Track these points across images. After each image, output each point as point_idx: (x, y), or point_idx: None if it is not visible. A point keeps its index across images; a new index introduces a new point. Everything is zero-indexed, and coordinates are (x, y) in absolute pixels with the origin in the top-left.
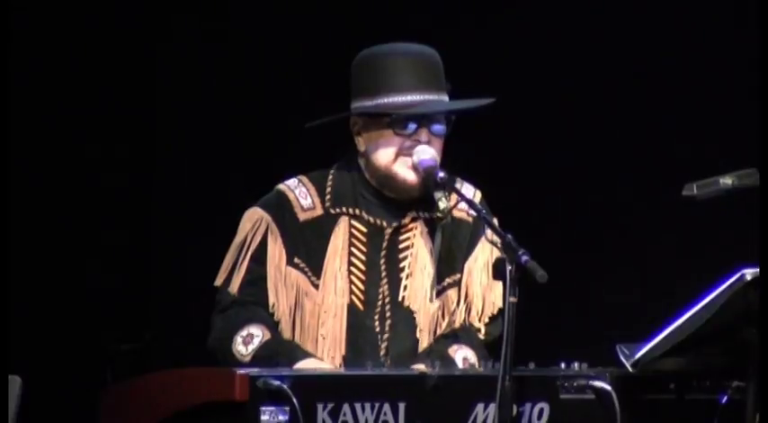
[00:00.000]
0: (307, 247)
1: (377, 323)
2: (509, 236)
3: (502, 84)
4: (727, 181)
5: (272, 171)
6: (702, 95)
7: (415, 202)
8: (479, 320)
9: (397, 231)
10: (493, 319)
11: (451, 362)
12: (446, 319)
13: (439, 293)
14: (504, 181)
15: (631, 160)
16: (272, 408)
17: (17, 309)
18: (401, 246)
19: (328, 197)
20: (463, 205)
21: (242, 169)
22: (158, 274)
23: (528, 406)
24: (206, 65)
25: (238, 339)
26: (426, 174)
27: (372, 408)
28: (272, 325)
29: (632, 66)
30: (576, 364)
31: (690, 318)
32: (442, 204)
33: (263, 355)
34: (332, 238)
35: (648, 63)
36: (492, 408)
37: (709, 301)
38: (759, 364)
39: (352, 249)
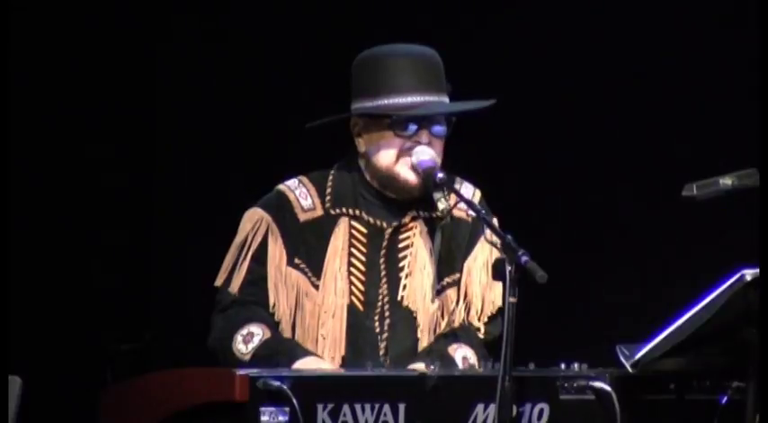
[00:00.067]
0: (307, 247)
1: (377, 323)
2: (509, 236)
3: (502, 84)
4: (727, 181)
5: (272, 171)
6: (702, 95)
7: (415, 201)
8: (479, 320)
9: (397, 231)
10: (492, 318)
11: (451, 361)
12: (445, 319)
13: (438, 293)
14: (504, 181)
15: (631, 160)
16: (272, 408)
17: (17, 309)
18: (401, 245)
19: (328, 198)
20: (463, 204)
21: (242, 169)
22: (158, 274)
23: (528, 406)
24: (206, 65)
25: (239, 338)
26: (425, 174)
27: (372, 408)
28: (273, 324)
29: (632, 66)
30: (576, 365)
31: (690, 318)
32: (442, 205)
33: (264, 354)
34: (332, 238)
35: (648, 63)
36: (492, 408)
37: (709, 302)
38: (759, 364)
39: (353, 250)
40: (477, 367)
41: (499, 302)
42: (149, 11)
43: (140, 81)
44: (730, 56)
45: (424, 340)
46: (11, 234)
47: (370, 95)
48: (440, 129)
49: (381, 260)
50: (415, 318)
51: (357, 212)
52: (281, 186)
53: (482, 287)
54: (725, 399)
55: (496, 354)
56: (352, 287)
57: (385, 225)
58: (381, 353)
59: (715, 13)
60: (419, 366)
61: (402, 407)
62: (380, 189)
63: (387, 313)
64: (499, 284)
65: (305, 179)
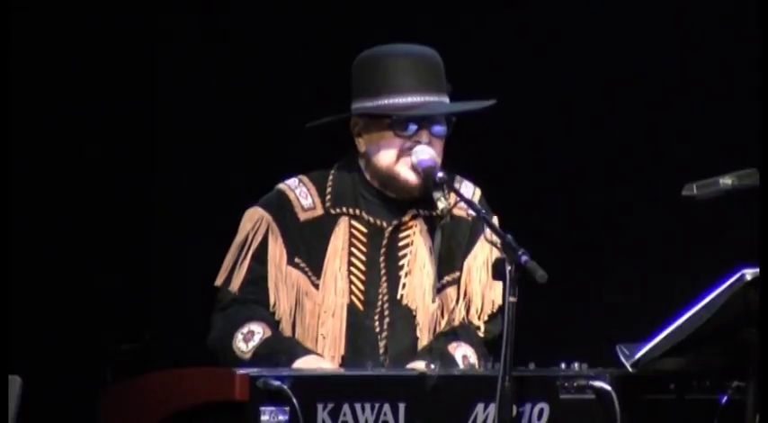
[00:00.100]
0: (307, 246)
1: (376, 323)
2: (509, 236)
3: (502, 84)
4: (727, 181)
5: (272, 171)
6: (702, 95)
7: (415, 200)
8: (479, 318)
9: (397, 229)
10: (492, 317)
11: (451, 359)
12: (445, 318)
13: (438, 291)
14: (504, 181)
15: (631, 160)
16: (272, 408)
17: (17, 309)
18: (400, 244)
19: (329, 197)
20: (463, 203)
21: (242, 169)
22: (158, 274)
23: (528, 406)
24: (206, 65)
25: (239, 336)
26: (425, 174)
27: (372, 408)
28: (273, 323)
29: (632, 66)
30: (576, 364)
31: (690, 318)
32: (441, 204)
33: (264, 352)
34: (332, 238)
35: (648, 63)
36: (492, 408)
37: (709, 301)
38: (759, 364)
39: (353, 249)
40: (476, 366)
41: (499, 301)
42: (150, 11)
43: (140, 81)
44: (730, 56)
45: (424, 339)
46: (11, 234)
47: (370, 95)
48: (440, 129)
49: (381, 259)
50: (415, 316)
51: (357, 212)
52: (281, 186)
53: (482, 286)
54: (725, 399)
55: (496, 353)
56: (352, 286)
57: (385, 224)
58: (381, 352)
59: (715, 13)
60: (419, 365)
61: (402, 407)
62: (380, 189)
63: (386, 312)
64: (499, 283)
65: (305, 178)
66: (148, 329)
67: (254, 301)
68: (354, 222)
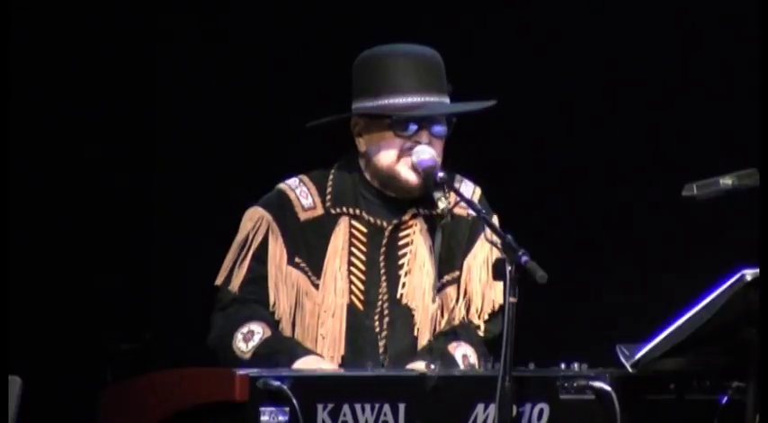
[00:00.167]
0: (307, 246)
1: (376, 323)
2: (509, 236)
3: (502, 84)
4: (727, 181)
5: (272, 171)
6: (702, 95)
7: (415, 200)
8: (479, 318)
9: (397, 229)
10: (492, 316)
11: (451, 359)
12: (445, 317)
13: (438, 291)
14: (504, 181)
15: (631, 160)
16: (271, 408)
17: (17, 309)
18: (400, 243)
19: (329, 197)
20: (463, 202)
21: (242, 169)
22: (158, 274)
23: (528, 406)
24: (206, 65)
25: (239, 336)
26: (426, 174)
27: (372, 408)
28: (273, 323)
29: (632, 66)
30: (576, 365)
31: (690, 318)
32: (442, 204)
33: (264, 352)
34: (332, 238)
35: (648, 63)
36: (492, 408)
37: (710, 302)
38: (759, 364)
39: (353, 249)
40: (476, 365)
41: (499, 300)
42: (150, 11)
43: (140, 81)
44: (730, 56)
45: (423, 338)
46: (11, 234)
47: (370, 95)
48: (440, 129)
49: (381, 258)
50: (414, 316)
51: (357, 212)
52: (281, 185)
53: (482, 285)
54: (725, 399)
55: (496, 353)
56: (352, 286)
57: (385, 224)
58: (381, 352)
59: (715, 13)
60: (419, 365)
61: (402, 407)
62: (381, 188)
63: (386, 312)
64: (499, 282)
65: (305, 178)
66: (148, 329)
67: (254, 300)
68: (354, 222)
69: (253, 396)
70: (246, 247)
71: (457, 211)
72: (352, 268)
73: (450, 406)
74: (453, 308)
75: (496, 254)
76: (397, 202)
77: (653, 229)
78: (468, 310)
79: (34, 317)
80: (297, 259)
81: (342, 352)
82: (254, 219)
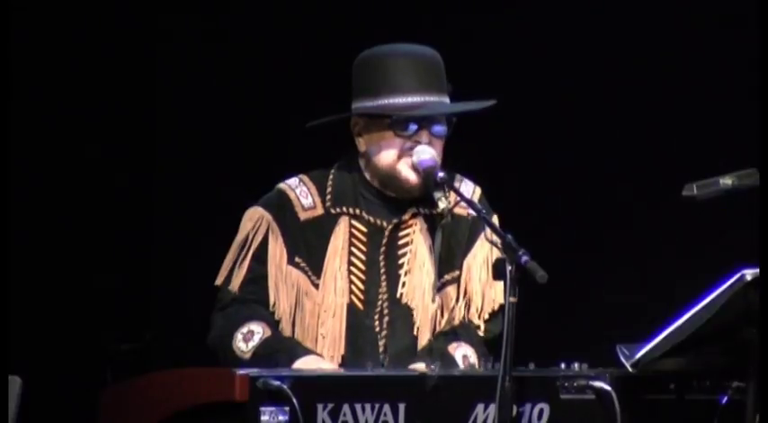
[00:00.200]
0: (307, 246)
1: (376, 322)
2: (509, 236)
3: (502, 84)
4: (727, 181)
5: (272, 171)
6: (702, 95)
7: (415, 199)
8: (479, 317)
9: (397, 228)
10: (493, 315)
11: (451, 360)
12: (445, 317)
13: (438, 290)
14: (504, 181)
15: (631, 160)
16: (272, 408)
17: (17, 309)
18: (400, 242)
19: (329, 197)
20: (464, 202)
21: (242, 169)
22: (158, 274)
23: (528, 406)
24: (206, 65)
25: (239, 336)
26: (426, 174)
27: (372, 408)
28: (273, 322)
29: (632, 66)
30: (576, 365)
31: (690, 318)
32: (442, 204)
33: (264, 352)
34: (332, 237)
35: (648, 63)
36: (492, 408)
37: (710, 302)
38: (759, 364)
39: (353, 249)
40: (476, 366)
41: (499, 300)
42: (150, 11)
43: (140, 81)
44: (730, 56)
45: (423, 338)
46: (11, 234)
47: (370, 95)
48: (440, 129)
49: (381, 258)
50: (414, 315)
51: (357, 211)
52: (281, 185)
53: (482, 284)
54: (725, 399)
55: (496, 352)
56: (352, 286)
57: (385, 224)
58: (381, 351)
59: (715, 13)
60: (420, 366)
61: (402, 407)
62: (381, 188)
63: (386, 311)
64: (499, 282)
65: (305, 178)
66: (148, 329)
67: (254, 300)
68: (354, 222)
69: (253, 396)
70: (246, 246)
71: (457, 210)
72: (352, 268)
73: (450, 406)
74: (453, 307)
75: (496, 253)
76: (397, 201)
77: (653, 229)
78: (468, 310)
79: (34, 317)
80: (297, 259)
81: (342, 352)
82: (254, 219)
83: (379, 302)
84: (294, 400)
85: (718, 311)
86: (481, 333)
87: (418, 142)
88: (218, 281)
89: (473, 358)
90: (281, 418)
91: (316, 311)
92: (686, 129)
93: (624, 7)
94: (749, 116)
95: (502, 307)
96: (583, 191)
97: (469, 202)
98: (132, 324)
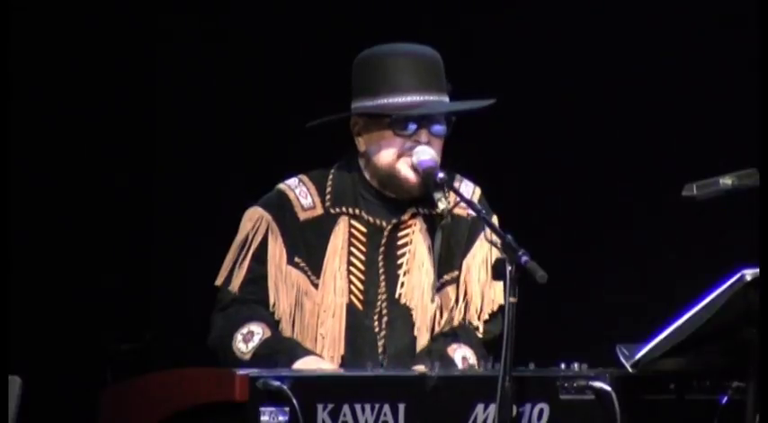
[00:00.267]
0: (307, 246)
1: (375, 323)
2: (509, 236)
3: (502, 84)
4: (727, 181)
5: (272, 171)
6: (702, 95)
7: (415, 199)
8: (478, 318)
9: (396, 228)
10: (492, 316)
11: (450, 361)
12: (444, 317)
13: (437, 290)
14: (504, 181)
15: (631, 160)
16: (271, 408)
17: (17, 309)
18: (399, 243)
19: (328, 197)
20: (463, 202)
21: (242, 169)
22: (158, 274)
23: (528, 406)
24: (206, 65)
25: (239, 337)
26: (426, 174)
27: (372, 408)
28: (273, 323)
29: (632, 66)
30: (576, 365)
31: (690, 318)
32: (442, 205)
33: (264, 353)
34: (332, 237)
35: (648, 63)
36: (492, 408)
37: (710, 302)
38: (759, 364)
39: (352, 249)
40: (476, 367)
41: (499, 300)
42: (150, 11)
43: (140, 81)
44: (730, 56)
45: (422, 338)
46: (11, 234)
47: (370, 95)
48: (439, 128)
49: (380, 258)
50: (413, 315)
51: (357, 211)
52: (281, 185)
53: (481, 285)
54: (725, 399)
55: (496, 353)
56: (352, 286)
57: (384, 224)
58: (380, 351)
59: (715, 13)
60: (419, 368)
61: (402, 407)
62: (380, 188)
63: (385, 311)
64: (499, 282)
65: (305, 178)
66: (148, 329)
67: (254, 300)
68: (354, 222)
69: (253, 396)
70: (246, 247)
71: (457, 211)
72: (352, 268)
73: (450, 406)
74: (452, 308)
75: (496, 254)
76: (397, 201)
77: (653, 229)
78: (467, 310)
79: (34, 317)
80: (296, 259)
81: (341, 352)
82: (254, 219)
83: (379, 302)
84: (294, 401)
85: (718, 311)
86: (480, 334)
87: (418, 142)
88: (218, 281)
89: (472, 360)
90: (281, 418)
91: (315, 311)
92: (686, 129)
93: (624, 7)
94: (749, 116)
95: (501, 307)
96: (583, 191)
97: (469, 203)
98: (132, 324)
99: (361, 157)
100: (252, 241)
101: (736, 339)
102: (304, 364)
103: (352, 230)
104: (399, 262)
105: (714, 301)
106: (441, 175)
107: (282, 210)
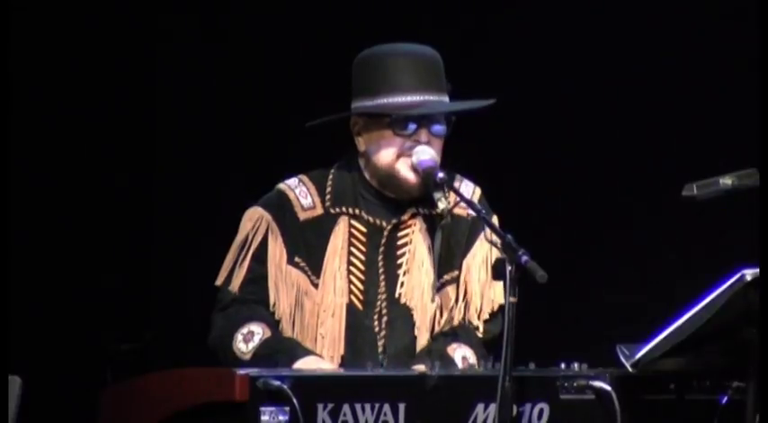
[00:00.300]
0: (307, 246)
1: (375, 323)
2: (509, 236)
3: (502, 84)
4: (727, 181)
5: (272, 171)
6: (702, 95)
7: (414, 199)
8: (478, 318)
9: (396, 228)
10: (492, 316)
11: (450, 361)
12: (444, 317)
13: (437, 290)
14: (504, 181)
15: (631, 160)
16: (272, 408)
17: (17, 309)
18: (399, 243)
19: (328, 197)
20: (463, 202)
21: (242, 169)
22: (158, 274)
23: (528, 406)
24: (206, 65)
25: (239, 337)
26: (425, 174)
27: (372, 408)
28: (273, 323)
29: (632, 66)
30: (576, 365)
31: (690, 318)
32: (442, 205)
33: (264, 353)
34: (331, 237)
35: (648, 63)
36: (492, 408)
37: (710, 302)
38: (759, 364)
39: (352, 249)
40: (476, 367)
41: (499, 300)
42: (150, 11)
43: (140, 81)
44: (730, 56)
45: (422, 338)
46: (11, 234)
47: (369, 94)
48: (439, 128)
49: (380, 258)
50: (413, 315)
51: (357, 211)
52: (281, 185)
53: (481, 285)
54: (725, 399)
55: (496, 353)
56: (352, 286)
57: (384, 224)
58: (380, 351)
59: (715, 13)
60: (420, 368)
61: (402, 407)
62: (380, 188)
63: (384, 311)
64: (499, 282)
65: (305, 178)
66: (148, 329)
67: (255, 300)
68: (354, 222)
69: (253, 396)
70: (246, 247)
71: (457, 211)
72: (352, 268)
73: (450, 406)
74: (452, 307)
75: (496, 253)
76: (397, 201)
77: (653, 229)
78: (467, 310)
79: (34, 317)
80: (296, 259)
81: (341, 352)
82: (254, 219)
83: (379, 302)
84: (294, 400)
85: (718, 311)
86: (480, 334)
87: (417, 141)
88: (219, 281)
89: (472, 359)
90: (281, 418)
91: (315, 311)
92: (686, 129)
93: (624, 7)
94: (749, 116)
95: (501, 307)
96: (583, 191)
97: (469, 203)
98: (132, 324)
99: (361, 156)
100: (252, 241)
101: (736, 339)
102: (304, 364)
103: (352, 230)
104: (399, 262)
105: (714, 301)
106: (440, 174)
107: (282, 210)
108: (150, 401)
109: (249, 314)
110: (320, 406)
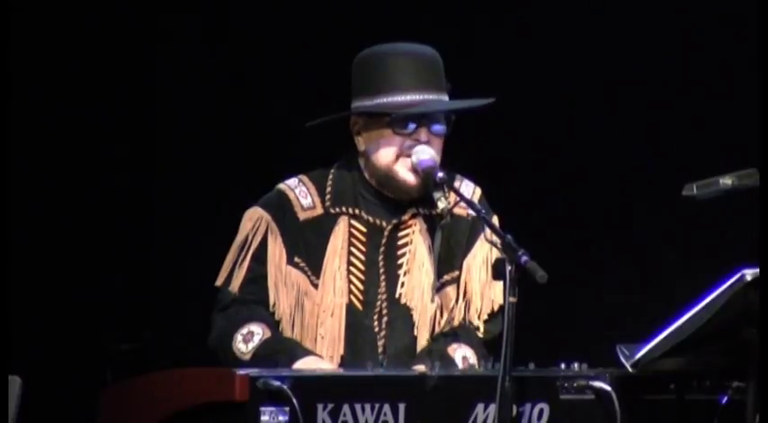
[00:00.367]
0: (307, 246)
1: (375, 323)
2: (509, 236)
3: (502, 83)
4: (727, 181)
5: (272, 171)
6: (702, 95)
7: (414, 199)
8: (479, 318)
9: (396, 228)
10: (492, 316)
11: (451, 361)
12: (444, 317)
13: (437, 291)
14: (504, 181)
15: (631, 160)
16: (272, 408)
17: (17, 309)
18: (399, 243)
19: (328, 197)
20: (463, 202)
21: (242, 169)
22: (158, 274)
23: (528, 406)
24: (206, 65)
25: (239, 337)
26: (425, 174)
27: (372, 408)
28: (273, 323)
29: (632, 66)
30: (576, 365)
31: (690, 318)
32: (441, 204)
33: (264, 353)
34: (331, 237)
35: (648, 63)
36: (492, 408)
37: (710, 302)
38: (759, 364)
39: (352, 249)
40: (476, 367)
41: (499, 300)
42: (150, 11)
43: (140, 81)
44: (730, 56)
45: (422, 338)
46: (11, 234)
47: (369, 94)
48: (439, 127)
49: (380, 258)
50: (413, 315)
51: (357, 211)
52: (281, 185)
53: (481, 285)
54: (725, 399)
55: (496, 353)
56: (351, 286)
57: (384, 224)
58: (380, 351)
59: (715, 13)
60: (420, 368)
61: (402, 407)
62: (379, 188)
63: (384, 311)
64: (499, 282)
65: (305, 178)
66: (148, 329)
67: (255, 301)
68: (354, 222)
69: (253, 396)
70: (246, 247)
71: (457, 211)
72: (352, 268)
73: (450, 406)
74: (453, 308)
75: (496, 254)
76: (397, 201)
77: (653, 229)
78: (467, 311)
79: (34, 317)
80: (296, 259)
81: (341, 352)
82: (254, 219)
83: (379, 303)
84: (294, 401)
85: (718, 311)
86: (480, 334)
87: (417, 141)
88: (218, 281)
89: (473, 359)
90: (281, 418)
91: (315, 311)
92: (686, 129)
93: (624, 7)
94: (749, 116)
95: (501, 307)
96: (583, 191)
97: (469, 203)
98: (132, 324)
99: (361, 156)
100: (252, 241)
101: (737, 339)
102: (304, 365)
103: (352, 230)
104: (399, 262)
105: (714, 301)
106: (440, 174)
107: (282, 210)
108: (150, 401)
109: (249, 314)
110: (320, 406)
